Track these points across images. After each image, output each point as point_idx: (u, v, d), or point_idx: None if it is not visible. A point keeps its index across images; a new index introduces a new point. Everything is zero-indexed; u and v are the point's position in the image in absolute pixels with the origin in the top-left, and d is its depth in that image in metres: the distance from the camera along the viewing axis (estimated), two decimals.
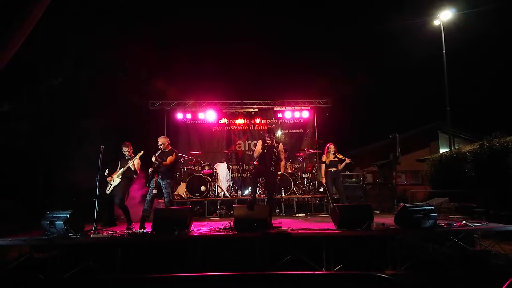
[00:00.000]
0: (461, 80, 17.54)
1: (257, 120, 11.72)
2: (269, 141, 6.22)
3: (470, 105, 18.95)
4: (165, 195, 6.31)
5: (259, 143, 6.36)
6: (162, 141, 6.41)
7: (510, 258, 5.17)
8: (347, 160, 7.95)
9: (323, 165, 7.95)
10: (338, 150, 7.93)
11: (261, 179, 8.81)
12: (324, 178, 7.91)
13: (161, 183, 6.23)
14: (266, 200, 8.68)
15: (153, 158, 6.07)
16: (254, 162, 6.96)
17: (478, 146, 9.01)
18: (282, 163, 6.55)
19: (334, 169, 7.85)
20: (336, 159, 7.89)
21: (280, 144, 6.43)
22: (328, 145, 8.04)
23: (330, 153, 7.91)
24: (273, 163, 6.26)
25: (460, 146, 12.62)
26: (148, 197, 6.17)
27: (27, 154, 9.83)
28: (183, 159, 10.01)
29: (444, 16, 11.84)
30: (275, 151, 6.23)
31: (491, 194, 7.76)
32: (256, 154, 6.38)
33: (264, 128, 11.52)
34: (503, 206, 7.05)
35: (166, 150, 6.39)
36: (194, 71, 17.19)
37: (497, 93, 18.75)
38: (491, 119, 16.99)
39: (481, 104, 19.78)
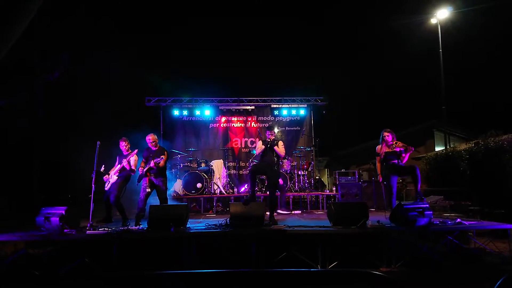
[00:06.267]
0: (457, 78, 17.61)
1: (254, 118, 11.76)
2: (271, 137, 6.27)
3: (465, 104, 19.03)
4: (160, 193, 6.31)
5: (259, 142, 6.33)
6: (153, 138, 6.45)
7: (504, 256, 5.20)
8: (410, 149, 6.17)
9: (378, 159, 6.41)
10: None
11: (259, 176, 8.82)
12: (380, 176, 6.31)
13: (155, 181, 6.24)
14: (262, 197, 8.73)
15: (152, 164, 6.05)
16: (255, 161, 6.73)
17: (473, 145, 9.04)
18: (282, 151, 6.23)
19: (395, 161, 6.24)
20: (396, 149, 6.24)
21: (280, 141, 6.32)
22: (383, 132, 6.36)
23: (387, 141, 6.29)
24: (275, 159, 6.26)
25: (456, 145, 12.65)
26: (141, 196, 6.17)
27: (22, 151, 9.76)
28: (179, 156, 10.00)
29: (441, 15, 11.91)
30: (276, 147, 6.21)
31: (485, 193, 7.80)
32: (257, 151, 6.34)
33: (261, 125, 11.54)
34: (498, 205, 7.09)
35: (156, 149, 6.41)
36: (190, 68, 17.15)
37: (492, 91, 18.83)
38: (486, 118, 17.07)
39: (476, 102, 19.86)
